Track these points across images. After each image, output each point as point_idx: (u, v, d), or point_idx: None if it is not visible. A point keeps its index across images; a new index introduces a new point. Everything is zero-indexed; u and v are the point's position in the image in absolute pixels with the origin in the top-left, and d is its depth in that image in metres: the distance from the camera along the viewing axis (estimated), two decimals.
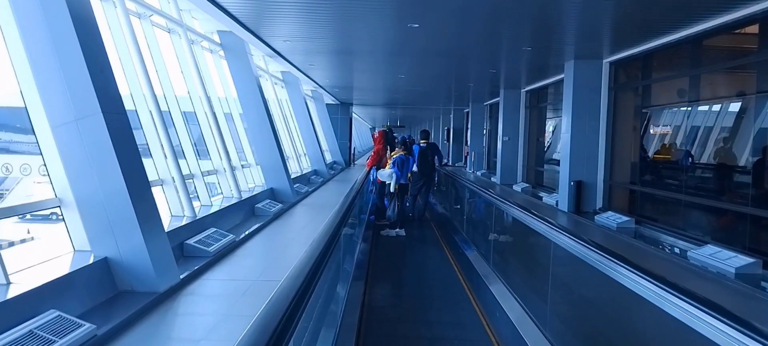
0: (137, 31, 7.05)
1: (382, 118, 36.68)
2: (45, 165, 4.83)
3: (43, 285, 3.97)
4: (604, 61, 10.45)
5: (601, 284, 5.30)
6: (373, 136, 19.47)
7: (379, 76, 14.88)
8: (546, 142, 15.78)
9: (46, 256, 4.82)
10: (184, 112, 8.02)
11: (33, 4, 4.61)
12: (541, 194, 12.83)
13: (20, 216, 5.62)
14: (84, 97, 4.69)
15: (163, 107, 7.28)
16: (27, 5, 4.59)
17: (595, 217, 9.64)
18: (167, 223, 6.27)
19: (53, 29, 4.66)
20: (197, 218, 6.77)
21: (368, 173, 14.38)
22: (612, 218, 9.17)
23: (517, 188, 14.25)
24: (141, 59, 6.69)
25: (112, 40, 6.57)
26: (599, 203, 10.56)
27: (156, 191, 6.53)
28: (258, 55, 11.79)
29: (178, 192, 6.82)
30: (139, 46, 6.73)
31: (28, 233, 23.09)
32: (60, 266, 4.52)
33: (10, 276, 4.06)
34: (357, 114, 31.15)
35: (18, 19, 4.60)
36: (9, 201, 21.92)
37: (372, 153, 15.34)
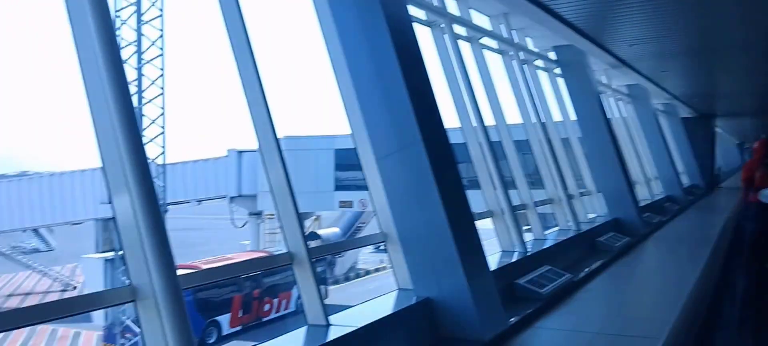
0: (466, 56, 6.79)
1: (753, 131, 31.01)
2: (371, 199, 4.75)
3: (360, 328, 3.74)
4: None
5: None
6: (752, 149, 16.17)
7: (752, 76, 12.30)
8: None
9: (374, 291, 4.72)
10: (515, 140, 7.52)
11: (358, 37, 4.59)
12: None
13: (375, 246, 5.71)
14: (406, 126, 4.49)
15: (493, 136, 6.87)
16: (353, 39, 4.59)
17: None
18: (495, 259, 5.74)
19: (377, 59, 4.58)
20: (529, 253, 6.12)
21: (747, 193, 11.80)
22: None
23: None
24: (469, 87, 6.38)
25: (440, 68, 6.40)
26: None
27: (484, 224, 6.11)
28: (599, 69, 10.74)
29: (507, 225, 6.26)
30: (468, 72, 6.44)
31: (382, 262, 25.84)
32: (383, 305, 4.32)
33: (339, 315, 3.98)
34: (721, 128, 26.88)
35: (345, 50, 4.60)
36: (363, 235, 24.78)
37: (745, 168, 12.61)
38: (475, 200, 5.43)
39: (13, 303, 25.20)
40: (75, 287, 26.20)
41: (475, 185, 6.26)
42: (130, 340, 16.62)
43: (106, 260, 18.45)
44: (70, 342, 19.38)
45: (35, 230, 29.26)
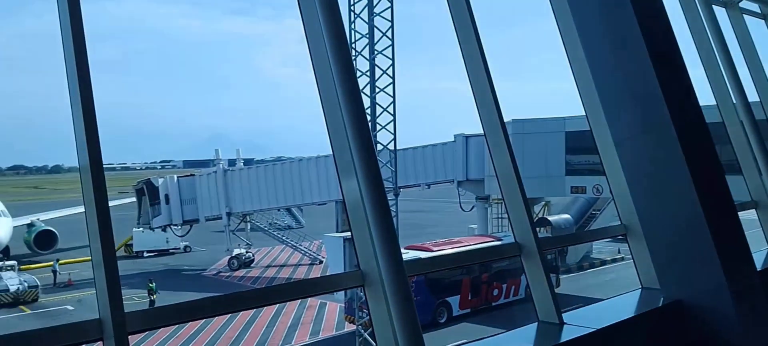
0: (722, 23, 5.91)
1: None
2: (609, 185, 4.32)
3: (599, 330, 3.42)
4: None
5: None
6: None
7: None
8: None
9: (610, 284, 4.34)
10: None
11: (593, 7, 4.20)
12: None
13: (611, 239, 5.32)
14: (651, 105, 4.00)
15: (757, 113, 5.88)
16: (588, 9, 4.21)
17: None
18: (762, 258, 4.94)
19: (616, 31, 4.16)
20: None
21: None
22: None
23: None
24: (727, 58, 5.53)
25: (691, 38, 5.65)
26: None
27: (747, 215, 5.25)
28: None
29: None
30: (725, 41, 5.60)
31: (619, 252, 24.23)
32: (624, 305, 3.94)
33: (573, 312, 3.71)
34: None
35: (578, 21, 4.24)
36: (598, 223, 23.12)
37: None
38: (736, 186, 4.68)
39: (271, 273, 28.73)
40: (321, 261, 28.93)
41: (735, 169, 5.42)
42: (367, 314, 17.74)
43: (345, 239, 19.96)
44: (316, 311, 21.44)
45: (288, 209, 32.96)
